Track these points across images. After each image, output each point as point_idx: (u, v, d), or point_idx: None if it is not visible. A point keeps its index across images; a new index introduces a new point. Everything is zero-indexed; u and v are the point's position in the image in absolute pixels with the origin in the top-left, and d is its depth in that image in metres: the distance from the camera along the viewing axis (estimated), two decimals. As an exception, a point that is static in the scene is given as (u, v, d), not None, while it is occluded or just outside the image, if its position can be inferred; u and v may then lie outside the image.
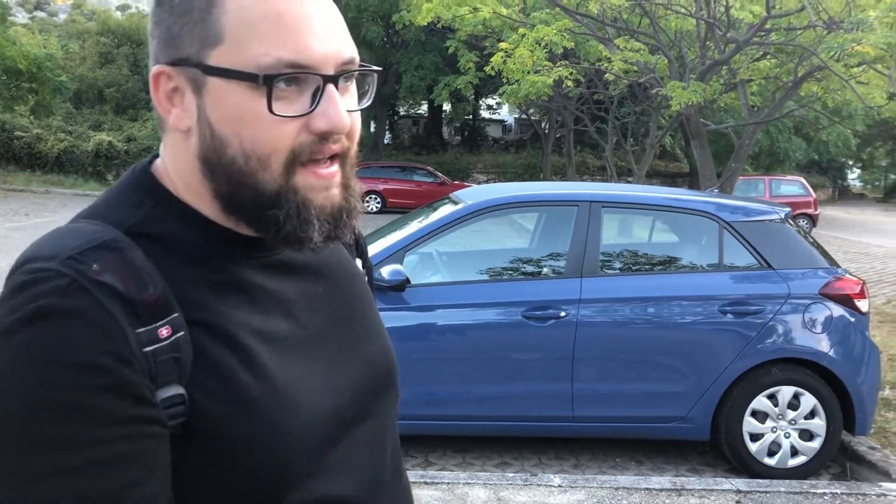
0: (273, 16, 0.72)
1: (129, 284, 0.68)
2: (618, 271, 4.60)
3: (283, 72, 0.71)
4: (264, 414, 0.73)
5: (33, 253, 0.70)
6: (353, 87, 0.79)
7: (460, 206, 4.53)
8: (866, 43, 6.12)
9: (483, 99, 34.16)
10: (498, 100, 34.02)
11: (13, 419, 0.63)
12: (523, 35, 10.18)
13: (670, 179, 28.97)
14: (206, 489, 0.72)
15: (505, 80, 11.50)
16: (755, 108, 13.57)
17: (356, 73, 0.77)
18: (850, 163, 44.56)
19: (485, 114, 37.90)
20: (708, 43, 10.39)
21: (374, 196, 23.43)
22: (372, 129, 29.15)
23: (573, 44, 10.79)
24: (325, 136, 0.74)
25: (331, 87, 0.74)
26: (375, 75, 0.81)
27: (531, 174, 27.89)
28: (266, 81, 0.71)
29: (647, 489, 3.88)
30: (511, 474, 4.06)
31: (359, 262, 0.99)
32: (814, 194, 20.58)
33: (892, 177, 47.38)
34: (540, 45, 9.90)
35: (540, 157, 28.77)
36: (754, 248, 4.43)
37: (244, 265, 0.79)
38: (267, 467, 0.73)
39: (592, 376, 4.27)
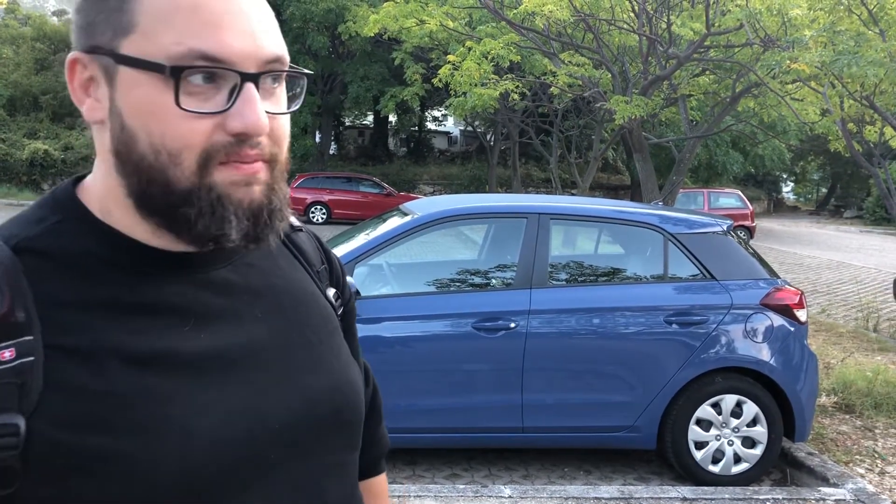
0: (190, 6, 0.68)
1: None
2: (566, 283, 4.65)
3: (194, 64, 0.68)
4: (140, 440, 0.67)
5: None
6: (281, 89, 0.75)
7: (410, 217, 4.53)
8: (802, 61, 6.34)
9: (429, 111, 34.25)
10: (444, 111, 34.18)
11: None
12: (470, 48, 10.27)
13: (612, 192, 29.48)
14: None
15: (452, 93, 11.56)
16: (694, 123, 13.92)
17: (283, 74, 0.74)
18: (785, 176, 45.96)
19: (431, 125, 37.99)
20: (650, 59, 10.62)
21: (319, 207, 23.24)
22: (317, 140, 28.95)
23: (519, 57, 10.91)
24: (242, 139, 0.70)
25: (249, 86, 0.70)
26: (305, 79, 0.77)
27: (477, 186, 28.04)
28: (174, 73, 0.67)
29: (596, 498, 3.92)
30: (461, 486, 4.06)
31: (331, 292, 0.93)
32: (751, 206, 21.18)
33: (824, 190, 49.05)
34: (487, 58, 9.98)
35: (486, 168, 28.97)
36: (698, 260, 4.52)
37: (158, 283, 0.74)
38: (144, 498, 0.67)
39: (542, 387, 4.30)
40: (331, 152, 31.52)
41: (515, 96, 10.85)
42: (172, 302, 0.74)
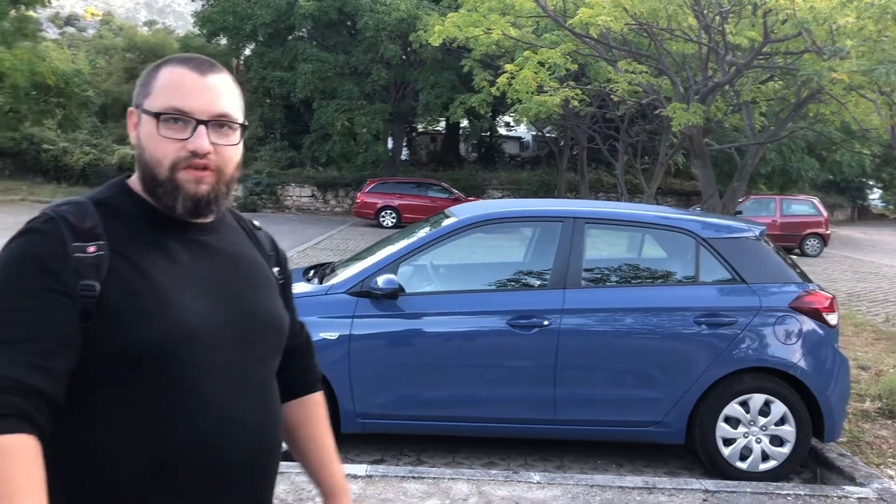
0: (176, 84, 1.28)
1: (78, 219, 1.21)
2: (599, 284, 4.87)
3: (167, 112, 1.26)
4: (146, 305, 1.21)
5: None
6: (233, 133, 1.31)
7: (452, 220, 4.84)
8: (842, 70, 6.38)
9: (500, 116, 34.52)
10: (514, 117, 34.38)
11: None
12: (528, 57, 10.53)
13: (684, 197, 29.11)
14: (114, 346, 1.19)
15: (509, 101, 11.82)
16: (762, 129, 13.77)
17: (227, 123, 1.30)
18: (871, 183, 44.21)
19: (502, 131, 38.23)
20: (711, 65, 10.65)
21: (389, 211, 23.79)
22: (389, 146, 29.55)
23: (576, 66, 11.10)
24: (194, 154, 1.26)
25: (201, 126, 1.27)
26: (242, 127, 1.34)
27: (546, 191, 28.14)
28: (156, 116, 1.27)
29: (620, 487, 4.14)
30: (493, 471, 4.34)
31: (276, 269, 1.49)
32: (825, 214, 20.68)
33: (915, 197, 46.90)
34: (544, 66, 10.21)
35: (555, 174, 29.07)
36: (729, 264, 4.69)
37: (163, 232, 1.29)
38: (143, 338, 1.19)
39: (573, 381, 4.54)
40: (403, 158, 32.12)
41: (576, 103, 11.04)
42: (170, 244, 1.29)
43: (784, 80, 12.28)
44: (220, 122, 1.28)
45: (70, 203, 1.25)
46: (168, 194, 1.27)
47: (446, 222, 4.83)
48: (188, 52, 1.35)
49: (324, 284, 4.78)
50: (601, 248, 5.17)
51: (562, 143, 28.83)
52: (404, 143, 32.98)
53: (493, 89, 10.93)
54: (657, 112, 10.62)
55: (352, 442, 4.89)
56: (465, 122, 32.29)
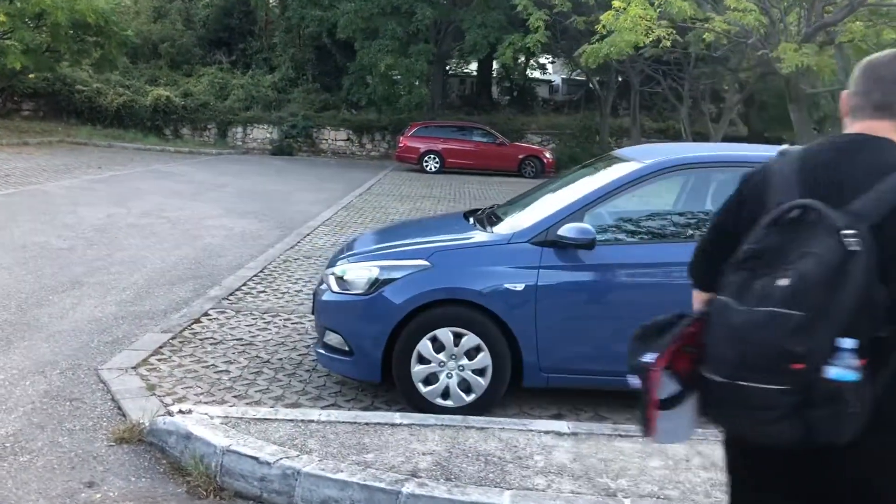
0: None
1: None
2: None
3: None
4: None
5: None
6: None
7: (637, 165, 4.55)
8: None
9: (534, 59, 33.76)
10: (550, 59, 33.63)
11: None
12: (634, -6, 10.08)
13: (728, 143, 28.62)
14: None
15: (599, 38, 11.35)
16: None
17: None
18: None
19: (534, 74, 37.46)
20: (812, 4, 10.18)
21: (432, 156, 23.40)
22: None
23: (687, 3, 10.65)
24: None
25: None
26: None
27: (587, 136, 27.67)
28: None
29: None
30: (699, 431, 4.13)
31: None
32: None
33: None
34: (653, 4, 9.78)
35: (593, 118, 28.52)
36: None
37: None
38: None
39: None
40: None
41: (667, 43, 10.61)
42: None
43: (872, 19, 11.77)
44: None
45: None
46: None
47: (633, 167, 4.54)
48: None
49: (502, 233, 4.53)
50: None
51: (598, 84, 28.14)
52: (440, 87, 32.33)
53: (598, 27, 10.47)
54: (759, 53, 10.19)
55: (523, 396, 4.71)
56: (496, 65, 31.58)
